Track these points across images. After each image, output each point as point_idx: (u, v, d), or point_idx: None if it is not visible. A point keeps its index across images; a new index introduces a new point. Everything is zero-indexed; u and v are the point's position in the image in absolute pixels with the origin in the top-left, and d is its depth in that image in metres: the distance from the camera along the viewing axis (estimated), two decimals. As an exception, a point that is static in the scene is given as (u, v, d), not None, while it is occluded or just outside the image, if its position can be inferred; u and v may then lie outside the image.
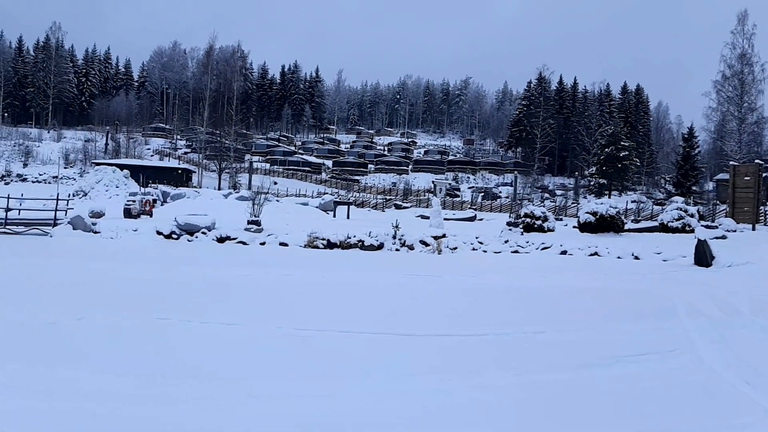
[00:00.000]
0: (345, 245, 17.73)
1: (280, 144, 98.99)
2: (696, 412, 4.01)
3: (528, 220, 21.22)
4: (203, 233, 18.25)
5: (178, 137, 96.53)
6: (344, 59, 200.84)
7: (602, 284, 10.90)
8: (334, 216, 30.90)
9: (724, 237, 18.83)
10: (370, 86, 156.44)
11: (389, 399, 4.20)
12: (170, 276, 10.47)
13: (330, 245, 17.63)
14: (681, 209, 22.62)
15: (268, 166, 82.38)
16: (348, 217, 29.84)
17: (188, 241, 17.87)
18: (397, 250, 17.79)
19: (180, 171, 63.27)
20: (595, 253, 16.95)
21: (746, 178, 23.57)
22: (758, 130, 55.88)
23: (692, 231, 21.58)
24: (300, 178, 78.64)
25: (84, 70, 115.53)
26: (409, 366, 5.14)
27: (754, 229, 23.00)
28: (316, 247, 17.54)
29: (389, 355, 5.55)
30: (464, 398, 4.25)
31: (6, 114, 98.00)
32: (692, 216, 22.30)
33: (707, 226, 20.17)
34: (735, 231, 21.83)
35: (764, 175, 24.80)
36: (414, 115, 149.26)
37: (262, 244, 17.83)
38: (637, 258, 16.12)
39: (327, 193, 50.49)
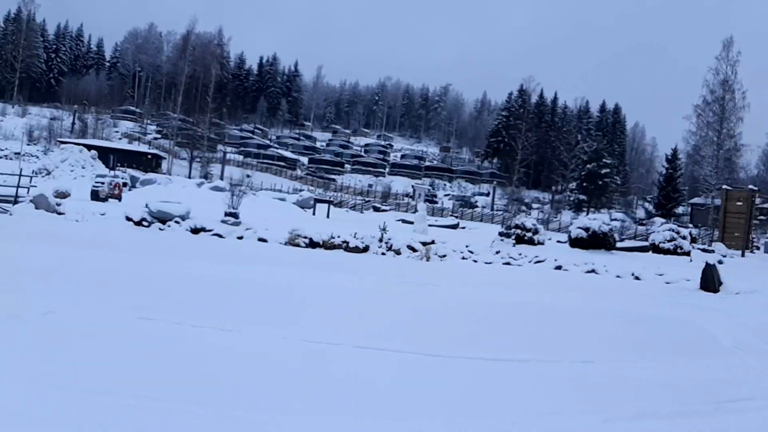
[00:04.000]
0: (329, 245, 16.70)
1: (255, 136, 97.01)
2: None
3: (519, 231, 20.44)
4: (176, 222, 16.99)
5: (149, 122, 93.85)
6: (324, 55, 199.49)
7: (619, 306, 10.08)
8: (314, 214, 29.77)
9: (720, 262, 18.28)
10: (349, 85, 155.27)
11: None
12: (145, 268, 9.29)
13: (312, 244, 16.58)
14: (673, 230, 22.12)
15: (241, 158, 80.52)
16: (328, 216, 28.74)
17: (160, 229, 16.60)
18: (383, 253, 16.83)
19: (150, 156, 61.18)
20: (592, 270, 16.21)
21: (738, 203, 23.23)
22: (734, 158, 56.36)
23: (685, 253, 21.10)
24: (274, 172, 77.02)
25: (54, 46, 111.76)
26: (452, 399, 4.13)
27: (743, 255, 22.63)
28: (298, 245, 16.47)
29: (423, 380, 4.54)
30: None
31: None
32: (684, 238, 21.80)
33: (704, 250, 19.66)
34: (726, 256, 21.39)
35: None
36: (391, 118, 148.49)
37: (240, 238, 16.67)
38: (637, 278, 15.41)
39: (303, 190, 49.16)
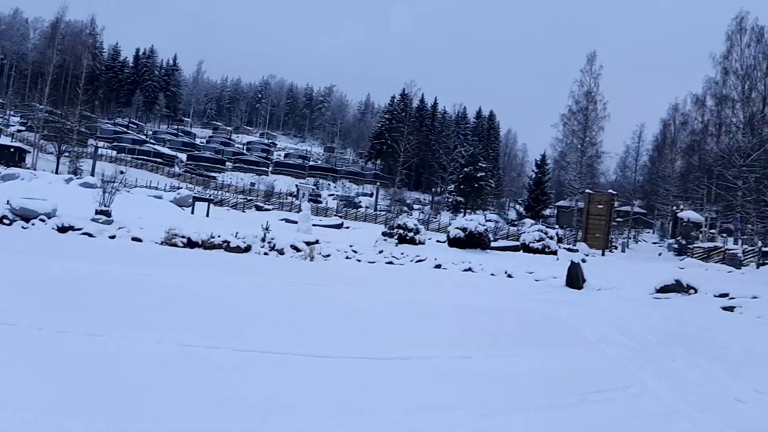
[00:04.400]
0: (208, 245, 16.16)
1: (129, 131, 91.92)
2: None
3: (401, 231, 20.90)
4: (41, 220, 15.73)
5: (12, 113, 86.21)
6: (206, 50, 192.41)
7: (494, 303, 10.57)
8: (193, 212, 28.67)
9: (584, 261, 19.70)
10: (231, 82, 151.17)
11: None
12: (6, 266, 8.50)
13: (191, 244, 15.98)
14: (542, 231, 23.53)
15: (115, 153, 75.95)
16: (207, 215, 27.80)
17: (23, 228, 15.29)
18: (266, 253, 16.56)
19: (13, 149, 56.27)
20: (469, 269, 16.92)
21: (599, 206, 25.14)
22: (596, 164, 60.85)
23: (552, 252, 22.54)
24: (150, 169, 73.34)
25: None
26: (334, 400, 4.17)
27: (603, 254, 24.52)
28: (175, 245, 15.79)
29: (305, 382, 4.53)
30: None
31: None
32: (551, 238, 23.28)
33: (569, 249, 21.08)
34: (588, 255, 23.09)
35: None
36: (275, 116, 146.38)
37: (112, 237, 15.71)
38: (510, 276, 16.26)
39: (182, 188, 47.13)
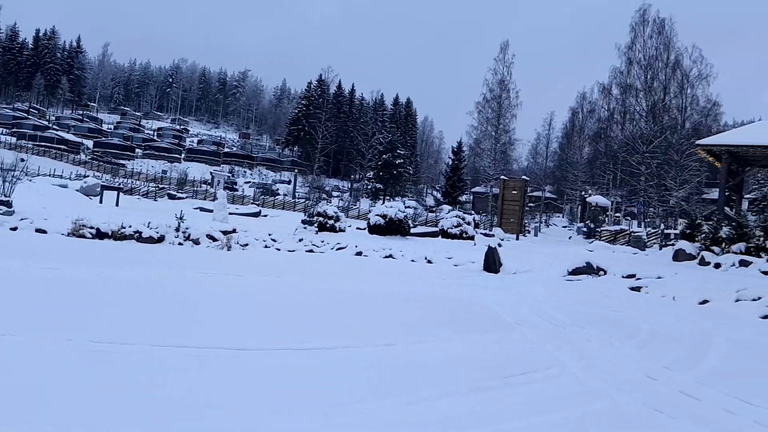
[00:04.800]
0: (119, 236, 15.44)
1: (30, 117, 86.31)
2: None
3: (321, 219, 20.71)
4: (-71, 213, 14.49)
5: None
6: (112, 32, 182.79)
7: (415, 289, 10.65)
8: (101, 202, 27.30)
9: (500, 245, 20.23)
10: (140, 65, 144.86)
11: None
12: None
13: (100, 235, 15.22)
14: (460, 217, 23.97)
15: (14, 140, 71.17)
16: (117, 204, 26.54)
17: None
18: (180, 243, 16.00)
19: None
20: (390, 256, 17.00)
21: (514, 191, 25.87)
22: (509, 150, 62.67)
23: (470, 238, 23.02)
24: (54, 156, 69.25)
25: None
26: (257, 395, 4.02)
27: (518, 238, 25.28)
28: (83, 236, 14.98)
29: (224, 377, 4.35)
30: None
31: None
32: (469, 224, 23.76)
33: (486, 234, 21.57)
34: (504, 240, 23.73)
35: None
36: (187, 101, 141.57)
37: (14, 229, 14.72)
38: (430, 262, 16.46)
39: (88, 176, 44.70)
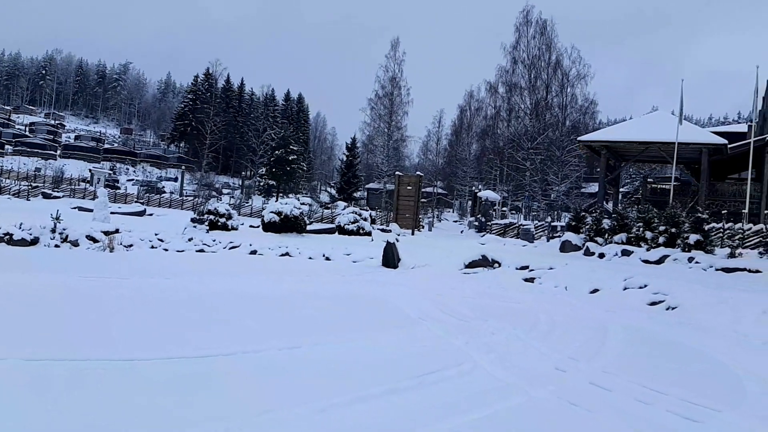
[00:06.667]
0: (-15, 239, 13.93)
1: None
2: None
3: (212, 217, 19.81)
4: None
5: None
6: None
7: (314, 288, 10.29)
8: (-40, 202, 24.65)
9: (397, 240, 20.26)
10: (8, 56, 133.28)
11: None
12: None
13: (-39, 239, 13.66)
14: (356, 213, 23.81)
15: None
16: (-20, 205, 24.08)
17: None
18: (57, 246, 14.69)
19: None
20: (287, 254, 16.52)
21: (408, 187, 26.08)
22: (401, 147, 63.50)
23: (367, 234, 22.92)
24: None
25: None
26: (149, 411, 3.56)
27: (413, 233, 25.51)
28: (-58, 240, 13.40)
29: (113, 391, 3.83)
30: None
31: None
32: (366, 220, 23.66)
33: (383, 230, 21.54)
34: (400, 235, 23.84)
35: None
36: (63, 95, 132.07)
37: None
38: (328, 259, 16.15)
39: (-55, 174, 40.47)
